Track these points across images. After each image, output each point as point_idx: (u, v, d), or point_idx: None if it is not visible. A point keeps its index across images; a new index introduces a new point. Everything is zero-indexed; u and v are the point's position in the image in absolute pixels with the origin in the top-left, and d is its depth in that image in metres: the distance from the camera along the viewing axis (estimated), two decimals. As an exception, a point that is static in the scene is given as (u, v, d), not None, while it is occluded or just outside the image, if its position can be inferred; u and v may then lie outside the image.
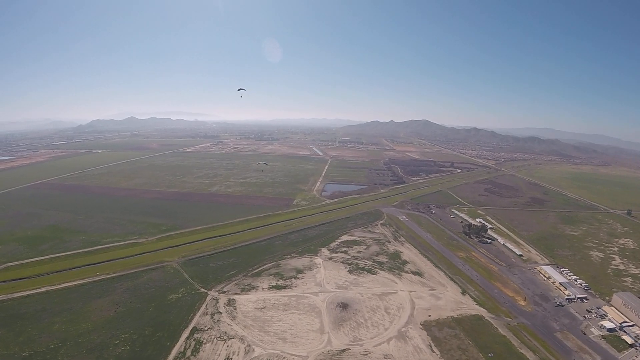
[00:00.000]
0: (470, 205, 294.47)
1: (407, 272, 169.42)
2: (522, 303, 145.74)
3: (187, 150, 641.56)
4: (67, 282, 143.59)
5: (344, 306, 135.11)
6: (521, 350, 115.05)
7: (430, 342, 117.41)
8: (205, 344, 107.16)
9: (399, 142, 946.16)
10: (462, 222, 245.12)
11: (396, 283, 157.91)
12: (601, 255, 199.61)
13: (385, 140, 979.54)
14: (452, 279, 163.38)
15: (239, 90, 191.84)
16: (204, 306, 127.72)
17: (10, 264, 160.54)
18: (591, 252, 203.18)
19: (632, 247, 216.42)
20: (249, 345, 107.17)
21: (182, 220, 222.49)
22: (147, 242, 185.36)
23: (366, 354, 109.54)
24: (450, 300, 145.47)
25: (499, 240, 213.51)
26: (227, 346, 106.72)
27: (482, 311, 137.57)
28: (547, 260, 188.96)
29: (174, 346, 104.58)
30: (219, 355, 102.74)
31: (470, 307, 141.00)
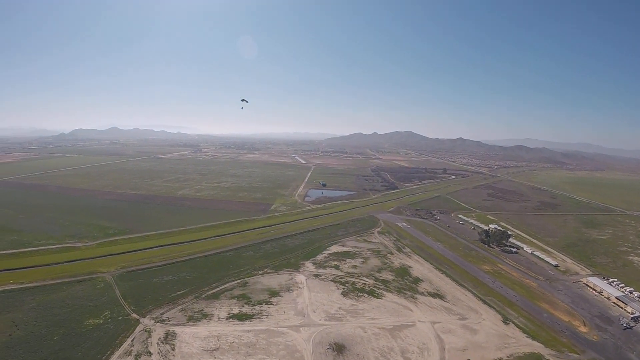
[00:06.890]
0: (478, 211, 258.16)
1: (423, 293, 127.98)
2: (583, 329, 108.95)
3: (163, 156, 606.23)
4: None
5: (339, 349, 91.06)
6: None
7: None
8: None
9: (385, 152, 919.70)
10: (474, 228, 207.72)
11: (411, 310, 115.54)
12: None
13: (370, 151, 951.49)
14: (484, 302, 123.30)
15: (241, 100, 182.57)
16: (128, 340, 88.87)
17: None
18: (630, 258, 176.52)
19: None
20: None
21: (135, 224, 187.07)
22: (86, 247, 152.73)
23: None
24: (491, 333, 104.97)
25: (525, 248, 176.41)
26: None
27: (537, 346, 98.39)
28: (588, 270, 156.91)
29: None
30: None
31: (520, 341, 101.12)
